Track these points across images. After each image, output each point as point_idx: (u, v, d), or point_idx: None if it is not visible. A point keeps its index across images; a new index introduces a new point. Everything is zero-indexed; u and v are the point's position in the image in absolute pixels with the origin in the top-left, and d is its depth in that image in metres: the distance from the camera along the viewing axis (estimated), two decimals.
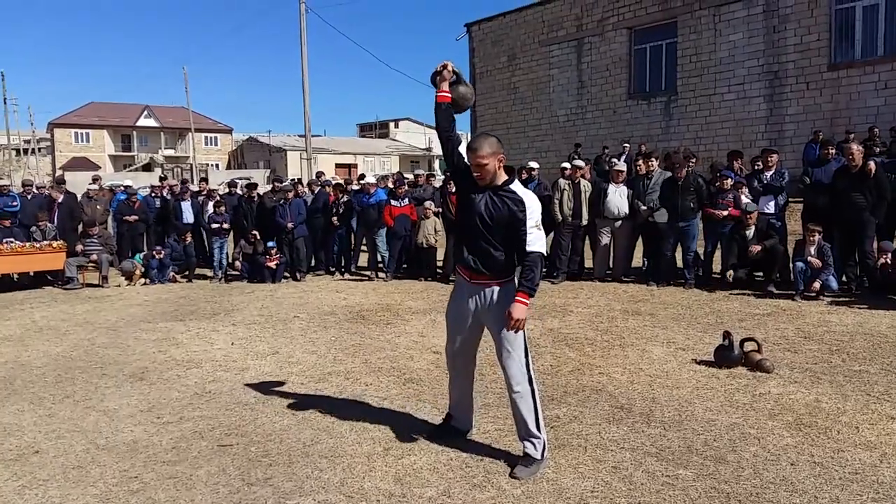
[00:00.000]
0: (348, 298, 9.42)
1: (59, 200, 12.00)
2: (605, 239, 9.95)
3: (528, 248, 3.63)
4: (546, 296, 8.84)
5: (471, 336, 4.02)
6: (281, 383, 5.52)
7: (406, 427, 4.43)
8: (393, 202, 10.99)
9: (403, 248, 11.26)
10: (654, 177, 9.62)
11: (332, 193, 11.85)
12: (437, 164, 61.70)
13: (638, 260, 10.47)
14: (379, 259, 11.31)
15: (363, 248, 12.24)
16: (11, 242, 10.78)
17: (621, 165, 10.38)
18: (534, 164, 11.59)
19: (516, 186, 3.73)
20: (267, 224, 11.58)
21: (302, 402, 5.01)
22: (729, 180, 9.43)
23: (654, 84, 20.29)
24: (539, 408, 3.81)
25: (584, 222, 9.93)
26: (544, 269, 9.67)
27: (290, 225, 11.26)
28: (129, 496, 3.58)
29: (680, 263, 9.70)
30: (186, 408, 4.99)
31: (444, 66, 3.95)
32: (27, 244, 10.90)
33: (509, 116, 23.91)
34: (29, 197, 12.26)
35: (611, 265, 10.27)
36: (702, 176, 9.76)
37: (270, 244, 11.23)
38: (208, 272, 12.04)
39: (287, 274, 11.47)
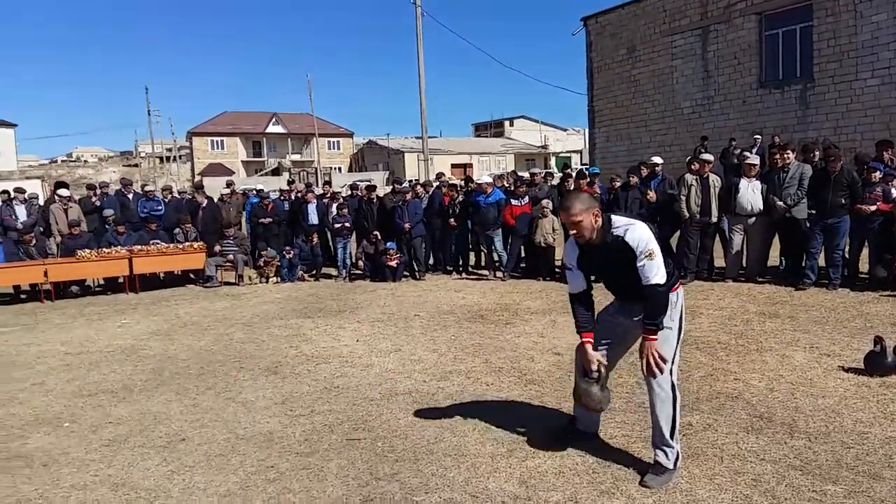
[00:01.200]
0: (466, 298, 9.47)
1: (204, 204, 12.88)
2: (738, 237, 9.40)
3: (644, 282, 3.53)
4: (691, 297, 8.47)
5: (618, 342, 3.95)
6: (404, 380, 5.62)
7: (529, 428, 4.38)
8: (513, 201, 10.94)
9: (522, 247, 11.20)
10: (791, 170, 8.98)
11: (446, 194, 11.96)
12: (552, 162, 60.99)
13: (774, 259, 9.82)
14: (496, 258, 11.30)
15: (481, 247, 12.27)
16: (158, 244, 11.70)
17: (754, 158, 9.77)
18: (657, 160, 11.16)
19: (617, 227, 3.60)
20: (387, 225, 11.89)
21: (425, 400, 5.08)
22: (878, 173, 8.64)
23: (787, 71, 18.97)
24: (678, 417, 3.65)
25: (714, 219, 9.43)
26: (694, 270, 9.31)
27: (407, 225, 11.49)
28: (266, 484, 3.77)
29: (823, 262, 9.00)
30: (317, 402, 5.19)
31: (591, 363, 3.81)
32: (171, 245, 11.79)
33: (629, 110, 23.17)
34: (166, 200, 13.22)
35: (744, 264, 9.69)
36: (855, 169, 9.00)
37: (390, 244, 11.51)
38: (333, 271, 12.51)
39: (407, 273, 11.71)
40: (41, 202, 13.43)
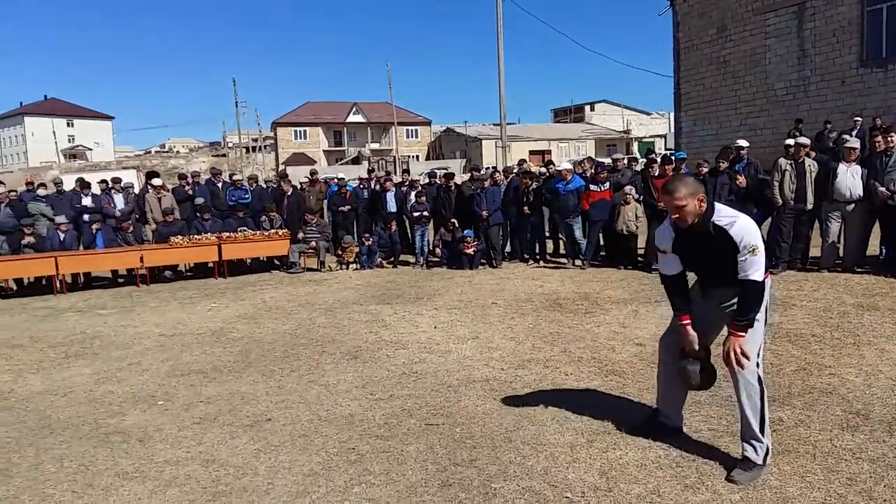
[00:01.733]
0: (544, 286, 9.37)
1: (289, 193, 13.28)
2: (835, 225, 8.88)
3: (741, 276, 3.40)
4: (782, 288, 8.11)
5: (708, 334, 3.82)
6: (482, 368, 5.62)
7: (610, 420, 4.29)
8: (592, 187, 10.71)
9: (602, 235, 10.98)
10: (895, 154, 8.40)
11: (521, 181, 11.83)
12: (635, 147, 59.44)
13: (873, 248, 9.23)
14: (576, 247, 11.10)
15: (559, 235, 12.11)
16: (245, 231, 12.13)
17: (854, 142, 9.19)
18: (742, 143, 10.66)
19: (721, 217, 3.47)
20: (464, 212, 11.89)
21: (503, 388, 5.06)
22: None
23: (891, 49, 17.73)
24: (766, 411, 3.51)
25: (810, 206, 8.94)
26: (786, 260, 8.90)
27: (485, 213, 11.45)
28: (347, 466, 3.85)
29: None
30: (396, 386, 5.26)
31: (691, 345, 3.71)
32: (257, 233, 12.19)
33: (718, 92, 22.26)
34: (252, 189, 13.67)
35: (840, 254, 9.15)
36: None
37: (468, 232, 11.51)
38: (411, 258, 12.64)
39: (484, 261, 11.69)
40: (136, 191, 14.13)
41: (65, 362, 6.52)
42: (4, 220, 11.45)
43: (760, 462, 3.48)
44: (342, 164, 60.20)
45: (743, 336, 3.44)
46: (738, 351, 3.44)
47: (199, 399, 5.18)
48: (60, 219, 11.42)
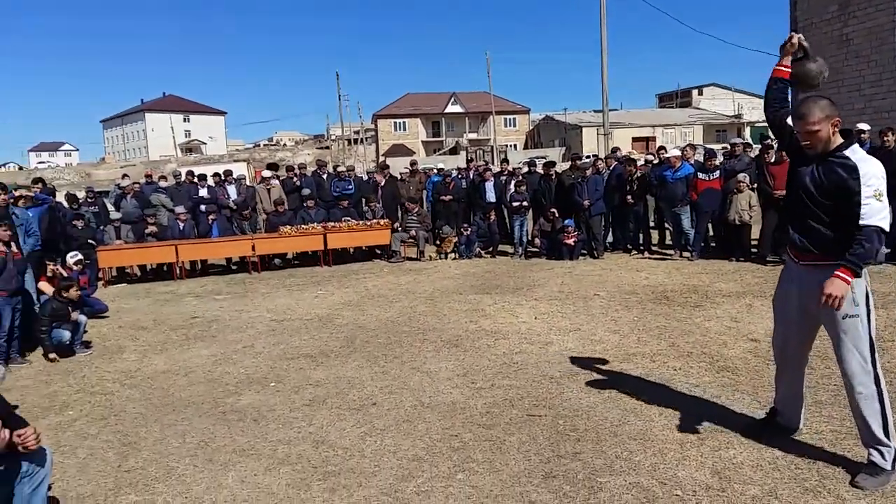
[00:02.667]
0: (650, 278, 9.08)
1: (382, 184, 13.56)
2: None
3: (862, 222, 3.07)
4: (892, 281, 7.52)
5: (802, 326, 3.57)
6: (584, 360, 5.52)
7: (722, 418, 4.12)
8: (701, 175, 10.26)
9: (712, 225, 10.50)
10: None
11: (626, 169, 11.49)
12: (747, 132, 56.52)
13: None
14: (684, 237, 10.68)
15: (665, 225, 11.70)
16: (348, 221, 12.47)
17: None
18: (864, 126, 9.89)
19: (852, 151, 3.19)
20: (564, 201, 11.69)
21: (607, 381, 4.95)
22: None
23: None
24: (888, 412, 3.26)
25: None
26: (887, 249, 8.25)
27: (586, 202, 11.22)
28: (451, 452, 3.88)
29: None
30: (497, 376, 5.26)
31: (790, 39, 3.54)
32: (360, 222, 12.51)
33: (840, 73, 20.67)
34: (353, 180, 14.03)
35: None
36: None
37: (568, 221, 11.31)
38: (509, 248, 12.59)
39: (584, 251, 11.47)
40: (248, 182, 14.82)
41: (185, 344, 6.95)
42: (131, 210, 12.32)
43: (888, 467, 3.24)
44: (440, 154, 60.68)
45: (846, 279, 3.09)
46: (835, 296, 3.08)
47: (309, 382, 5.38)
48: (180, 209, 12.15)
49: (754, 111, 67.22)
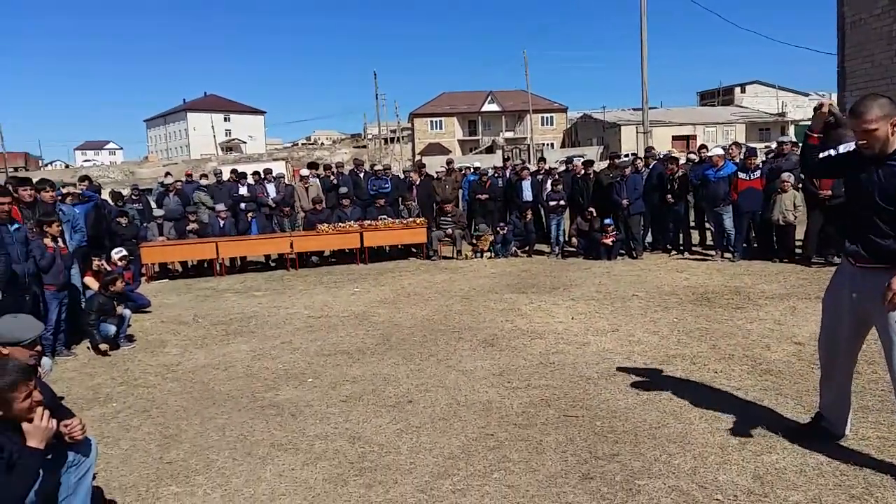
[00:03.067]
0: (690, 279, 8.93)
1: (417, 183, 13.61)
2: None
3: None
4: None
5: (852, 329, 3.47)
6: (623, 361, 5.45)
7: (764, 422, 4.02)
8: (741, 175, 10.05)
9: (753, 226, 10.28)
10: None
11: (667, 168, 11.31)
12: (791, 131, 55.21)
13: None
14: (725, 237, 10.48)
15: (706, 225, 11.49)
16: (385, 219, 12.53)
17: None
18: None
19: None
20: (603, 201, 11.57)
21: (646, 383, 4.88)
22: None
23: None
24: None
25: None
26: None
27: (625, 201, 11.08)
28: (487, 451, 3.86)
29: None
30: (533, 376, 5.22)
31: (821, 105, 3.49)
32: (396, 221, 12.56)
33: (889, 70, 20.02)
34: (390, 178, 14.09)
35: None
36: None
37: (608, 221, 11.19)
38: (546, 248, 12.50)
39: (623, 251, 11.34)
40: (287, 181, 15.00)
41: (225, 339, 7.06)
42: (174, 207, 12.57)
43: None
44: (476, 153, 60.62)
45: None
46: None
47: (345, 378, 5.42)
48: (220, 207, 12.36)
49: (798, 109, 65.63)
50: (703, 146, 12.32)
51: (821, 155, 3.48)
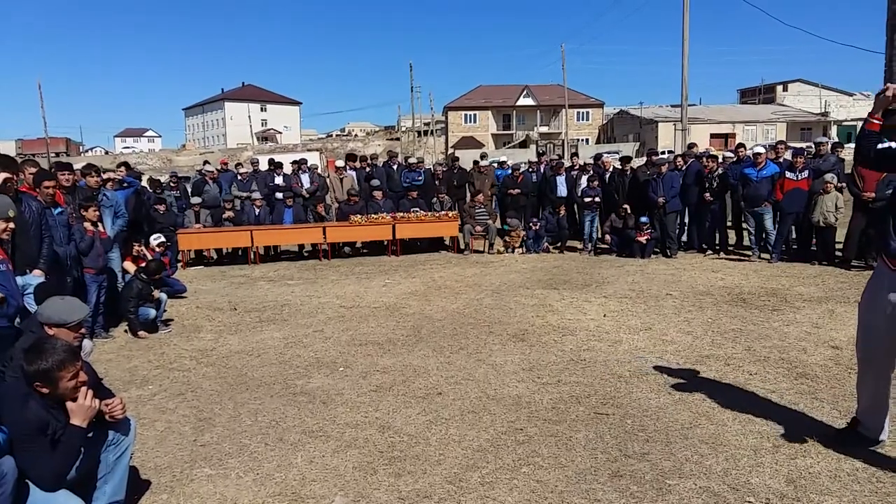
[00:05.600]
0: (726, 279, 8.79)
1: (440, 176, 13.67)
2: None
3: None
4: None
5: (891, 334, 3.40)
6: (655, 360, 5.40)
7: (799, 425, 3.96)
8: (788, 174, 9.82)
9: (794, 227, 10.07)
10: None
11: (705, 165, 11.13)
12: (833, 131, 53.90)
13: None
14: (764, 237, 10.28)
15: (743, 224, 11.28)
16: (417, 211, 12.56)
17: None
18: None
19: None
20: (637, 198, 11.43)
21: (678, 383, 4.83)
22: None
23: None
24: None
25: None
26: None
27: (661, 199, 10.93)
28: (516, 446, 3.86)
29: None
30: (563, 372, 5.20)
31: (885, 90, 3.38)
32: (429, 213, 12.58)
33: None
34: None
35: None
36: None
37: (643, 219, 11.06)
38: (577, 244, 12.41)
39: (657, 250, 11.20)
40: (321, 172, 15.10)
41: (258, 326, 7.16)
42: (215, 195, 12.76)
43: None
44: (510, 147, 60.37)
45: None
46: None
47: (376, 368, 5.46)
48: (256, 195, 12.52)
49: (842, 109, 64.02)
50: (741, 145, 12.08)
51: (879, 146, 3.39)
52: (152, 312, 7.02)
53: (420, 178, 13.74)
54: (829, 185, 9.31)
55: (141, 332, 6.88)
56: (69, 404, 2.84)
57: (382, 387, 5.00)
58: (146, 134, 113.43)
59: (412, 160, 14.81)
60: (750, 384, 4.76)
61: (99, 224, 7.10)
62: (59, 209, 6.48)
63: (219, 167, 14.52)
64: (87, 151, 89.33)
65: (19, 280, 4.92)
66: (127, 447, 3.19)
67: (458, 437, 4.03)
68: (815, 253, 9.71)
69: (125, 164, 11.68)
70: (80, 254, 6.69)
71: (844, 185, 9.45)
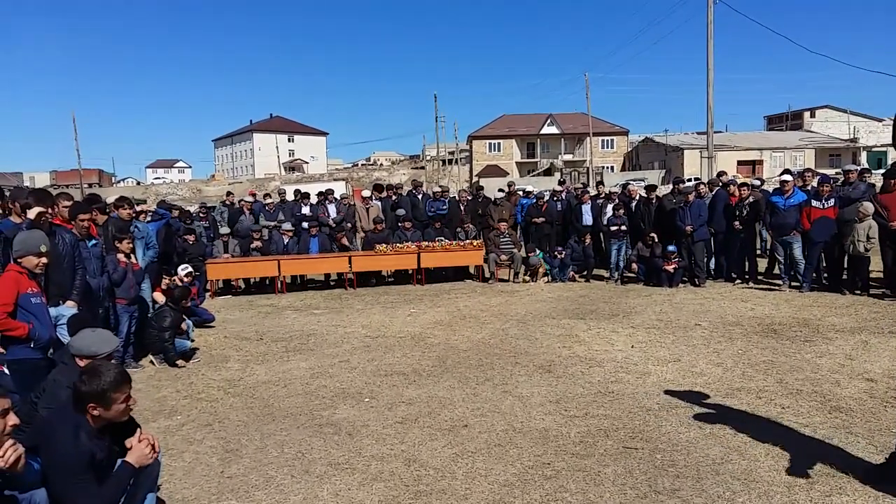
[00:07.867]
0: (756, 309, 8.65)
1: (465, 203, 13.75)
2: None
3: None
4: None
5: None
6: (685, 393, 5.31)
7: (834, 461, 3.86)
8: (814, 203, 9.70)
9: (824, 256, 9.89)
10: None
11: (733, 194, 11.03)
12: (863, 157, 53.13)
13: None
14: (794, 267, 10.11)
15: (774, 254, 11.12)
16: (442, 241, 12.60)
17: None
18: None
19: None
20: (665, 226, 11.35)
21: (709, 416, 4.74)
22: None
23: None
24: None
25: None
26: None
27: (689, 228, 10.84)
28: (543, 481, 3.82)
29: None
30: (591, 405, 5.14)
31: None
32: (454, 242, 12.61)
33: None
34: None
35: None
36: None
37: (671, 248, 10.96)
38: (604, 273, 12.32)
39: (685, 279, 11.08)
40: (349, 201, 15.25)
41: (285, 356, 7.20)
42: (248, 225, 12.95)
43: None
44: (534, 175, 60.43)
45: None
46: None
47: (401, 399, 5.45)
48: (286, 225, 12.68)
49: (871, 135, 63.06)
50: (762, 181, 11.93)
51: None
52: (188, 344, 7.14)
53: (444, 207, 13.80)
54: (862, 213, 9.10)
55: (179, 361, 6.97)
56: (132, 445, 2.91)
57: (408, 418, 4.98)
58: (177, 165, 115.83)
59: (436, 189, 14.88)
60: (782, 418, 4.66)
61: (131, 255, 7.24)
62: (94, 241, 6.62)
63: (247, 198, 14.75)
64: (118, 182, 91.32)
65: (52, 311, 5.02)
66: (154, 479, 3.21)
67: (485, 470, 3.99)
68: (847, 282, 9.51)
69: (164, 201, 11.93)
70: (112, 285, 6.82)
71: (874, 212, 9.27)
